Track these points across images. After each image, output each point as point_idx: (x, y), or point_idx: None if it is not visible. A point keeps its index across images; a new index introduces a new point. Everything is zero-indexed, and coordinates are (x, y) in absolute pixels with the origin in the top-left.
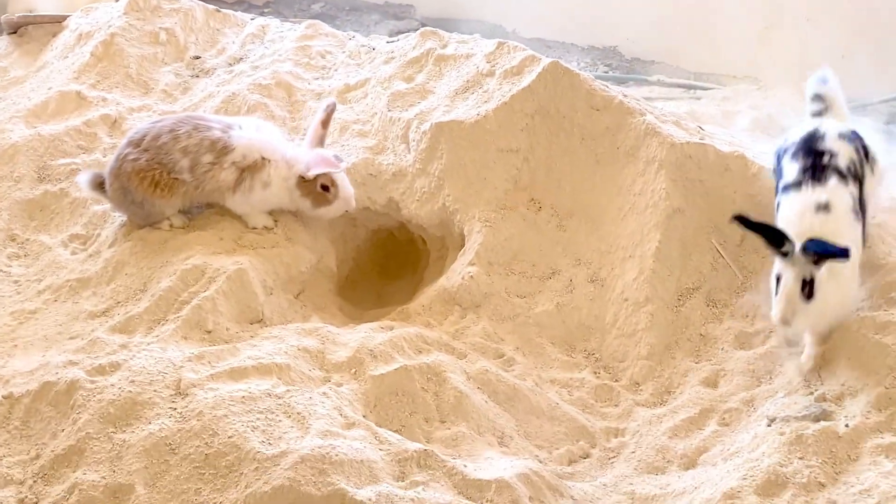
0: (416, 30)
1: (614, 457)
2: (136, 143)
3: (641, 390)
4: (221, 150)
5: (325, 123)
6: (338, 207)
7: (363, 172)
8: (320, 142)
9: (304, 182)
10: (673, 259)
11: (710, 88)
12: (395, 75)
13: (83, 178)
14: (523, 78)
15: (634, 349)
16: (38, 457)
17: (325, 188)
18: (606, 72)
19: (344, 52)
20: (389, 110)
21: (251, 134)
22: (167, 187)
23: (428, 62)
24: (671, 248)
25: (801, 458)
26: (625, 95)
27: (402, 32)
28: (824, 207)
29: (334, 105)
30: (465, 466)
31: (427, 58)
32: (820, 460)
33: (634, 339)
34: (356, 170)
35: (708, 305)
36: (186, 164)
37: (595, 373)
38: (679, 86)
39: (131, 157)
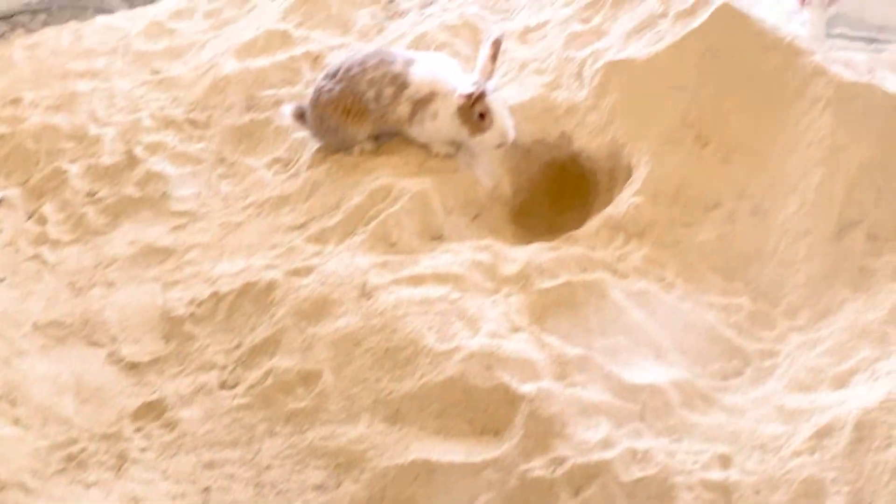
0: None
1: (767, 376)
2: (331, 76)
3: (798, 316)
4: (400, 84)
5: (494, 58)
6: (492, 136)
7: (538, 107)
8: (489, 75)
9: (462, 110)
10: (835, 194)
11: (893, 42)
12: (572, 17)
13: (286, 109)
14: (695, 19)
15: (792, 278)
16: (239, 346)
17: (481, 116)
18: None
19: None
20: (565, 50)
21: (427, 69)
22: (358, 115)
23: (605, 5)
24: (834, 184)
25: None
26: (795, 36)
27: None
28: None
29: (501, 38)
30: (622, 372)
31: (604, 1)
32: None
33: (793, 269)
34: (532, 104)
35: (868, 240)
36: (372, 95)
37: (753, 299)
38: (862, 38)
39: (327, 88)
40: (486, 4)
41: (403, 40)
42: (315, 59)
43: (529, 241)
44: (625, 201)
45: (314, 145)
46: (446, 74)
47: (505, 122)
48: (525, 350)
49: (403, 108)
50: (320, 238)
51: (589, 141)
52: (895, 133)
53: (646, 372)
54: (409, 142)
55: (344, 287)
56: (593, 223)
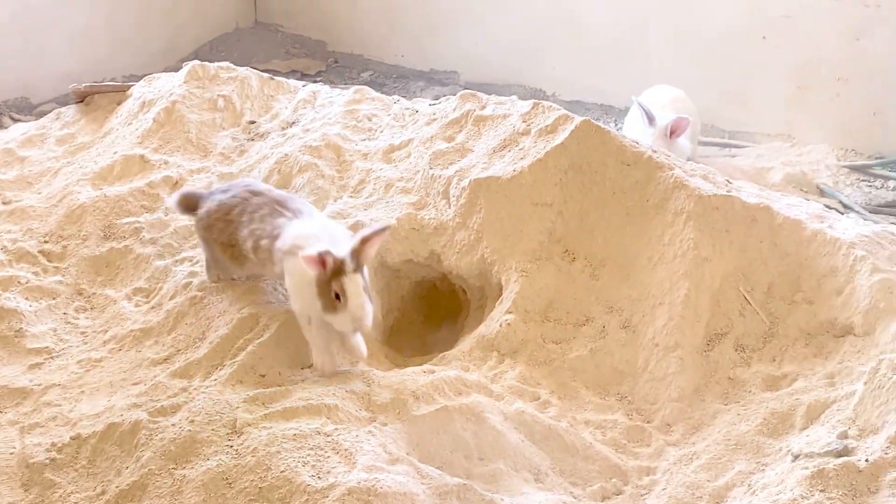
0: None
1: (646, 493)
2: (223, 208)
3: (672, 431)
4: (275, 237)
5: (366, 240)
6: (343, 320)
7: (406, 227)
8: (359, 258)
9: (319, 282)
10: (701, 306)
11: (744, 147)
12: (436, 135)
13: (174, 197)
14: (557, 136)
15: (665, 392)
16: (103, 493)
17: (336, 296)
18: None
19: (389, 114)
20: (431, 168)
21: (304, 226)
22: (236, 258)
23: (467, 123)
24: (699, 296)
25: (822, 491)
26: (654, 151)
27: None
28: None
29: (388, 229)
30: (503, 500)
31: (466, 118)
32: (840, 493)
33: (665, 383)
34: (400, 224)
35: (736, 350)
36: (250, 246)
37: (627, 415)
38: (715, 144)
39: (215, 214)
40: (348, 124)
41: (266, 163)
42: (175, 185)
43: (402, 363)
44: (496, 320)
45: (178, 273)
46: (321, 237)
47: (360, 308)
48: (404, 483)
49: (277, 266)
50: (186, 372)
51: (458, 260)
52: (755, 243)
53: (527, 498)
54: None
55: (213, 425)
56: (466, 343)
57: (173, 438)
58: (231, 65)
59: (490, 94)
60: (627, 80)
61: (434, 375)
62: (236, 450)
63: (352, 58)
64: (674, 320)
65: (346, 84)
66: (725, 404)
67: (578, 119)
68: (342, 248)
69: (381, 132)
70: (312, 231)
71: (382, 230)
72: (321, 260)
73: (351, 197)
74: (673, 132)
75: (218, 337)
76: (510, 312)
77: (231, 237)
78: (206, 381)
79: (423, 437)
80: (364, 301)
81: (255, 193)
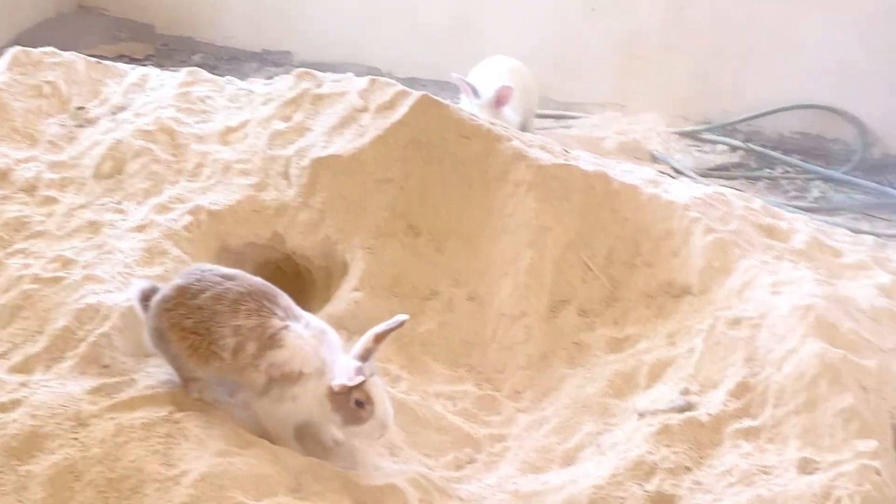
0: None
1: (498, 460)
2: (191, 293)
3: (522, 398)
4: (269, 344)
5: (380, 338)
6: (371, 428)
7: (247, 209)
8: (367, 355)
9: (334, 395)
10: (545, 274)
11: (578, 117)
12: (273, 115)
13: (137, 286)
14: (396, 111)
15: (513, 360)
16: None
17: (359, 404)
18: None
19: (223, 96)
20: (270, 149)
21: (306, 338)
22: (205, 358)
23: (304, 101)
24: (543, 264)
25: (667, 446)
26: (492, 123)
27: None
28: None
29: (403, 323)
30: (358, 475)
31: (303, 97)
32: (685, 447)
33: (513, 351)
34: (240, 206)
35: (580, 315)
36: (231, 345)
37: (477, 385)
38: (549, 116)
39: (177, 306)
40: (181, 107)
41: (97, 149)
42: (2, 175)
43: None
44: (343, 298)
45: (10, 265)
46: (326, 348)
47: (388, 414)
48: (258, 465)
49: (260, 377)
50: (25, 367)
51: (302, 240)
52: (595, 210)
53: (382, 472)
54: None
55: (56, 418)
56: None
57: (15, 434)
58: (56, 50)
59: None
60: (462, 55)
61: None
62: (82, 442)
63: (181, 40)
64: (519, 290)
65: (176, 67)
66: (572, 368)
67: (417, 94)
68: (339, 352)
69: (217, 114)
70: (317, 345)
71: (397, 325)
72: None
73: (188, 181)
74: (499, 102)
75: (57, 329)
76: (357, 290)
77: (198, 325)
78: (47, 375)
79: None
80: (388, 400)
81: (228, 278)
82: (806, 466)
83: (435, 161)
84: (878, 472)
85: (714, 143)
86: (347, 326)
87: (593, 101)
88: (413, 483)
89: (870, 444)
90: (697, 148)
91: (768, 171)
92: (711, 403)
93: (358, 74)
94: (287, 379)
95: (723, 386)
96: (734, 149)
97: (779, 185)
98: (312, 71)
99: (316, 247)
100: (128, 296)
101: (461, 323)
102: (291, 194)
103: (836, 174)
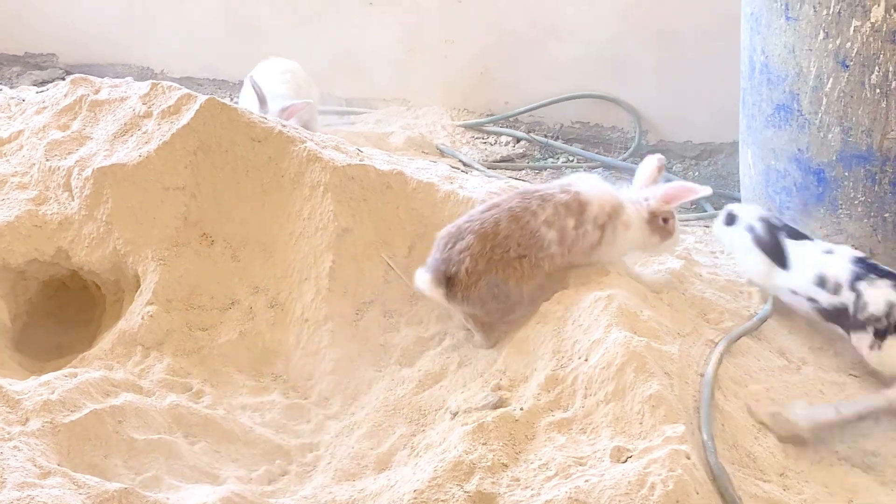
0: (62, 79)
1: (311, 470)
2: (491, 235)
3: (330, 404)
4: (579, 209)
5: (662, 166)
6: (674, 241)
7: (28, 224)
8: (652, 182)
9: (653, 218)
10: (347, 276)
11: (362, 113)
12: (49, 124)
13: (423, 275)
14: (182, 116)
15: (319, 366)
16: None
17: (665, 220)
18: None
19: None
20: (48, 160)
21: (592, 186)
22: (531, 267)
23: (82, 109)
24: (344, 267)
25: (483, 444)
26: (283, 125)
27: (48, 82)
28: None
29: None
30: (168, 499)
31: (80, 104)
32: (501, 444)
33: (318, 357)
34: (20, 222)
35: (385, 316)
36: (554, 237)
37: (284, 393)
38: (333, 112)
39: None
40: None
41: None
42: None
43: (39, 369)
44: (137, 313)
45: None
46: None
47: (678, 225)
48: (60, 496)
49: (593, 234)
50: None
51: (89, 254)
52: (393, 209)
53: (193, 494)
54: None
55: None
56: (106, 340)
57: None
58: None
59: (93, 76)
60: (239, 54)
61: (77, 379)
62: None
63: None
64: (321, 293)
65: None
66: (379, 370)
67: (203, 98)
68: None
69: None
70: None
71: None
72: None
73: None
74: (289, 118)
75: None
76: (151, 303)
77: (519, 249)
78: None
79: (73, 445)
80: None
81: (483, 210)
82: (619, 455)
83: (226, 166)
84: (687, 456)
85: (498, 134)
86: (144, 342)
87: (376, 95)
88: (225, 501)
89: (678, 429)
90: (482, 140)
91: (552, 160)
92: (523, 398)
93: (131, 75)
94: (613, 216)
95: (533, 379)
96: (518, 140)
97: (563, 173)
98: (89, 76)
99: (104, 261)
100: (420, 284)
101: (263, 331)
102: (74, 207)
103: (617, 161)
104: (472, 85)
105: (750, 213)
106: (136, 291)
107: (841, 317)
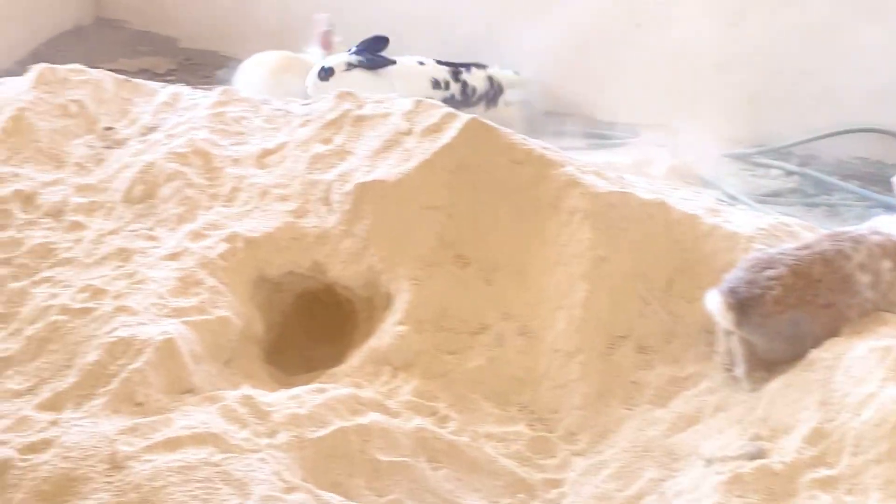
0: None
1: None
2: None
3: (577, 440)
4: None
5: None
6: None
7: (286, 236)
8: None
9: None
10: (601, 307)
11: (624, 138)
12: (312, 138)
13: (715, 296)
14: (443, 135)
15: (568, 399)
16: None
17: None
18: None
19: (259, 116)
20: (309, 173)
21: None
22: (840, 309)
23: (345, 123)
24: (599, 297)
25: (739, 497)
26: (545, 148)
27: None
28: None
29: None
30: None
31: (344, 119)
32: (759, 497)
33: (567, 390)
34: (279, 234)
35: (638, 352)
36: (867, 281)
37: (530, 425)
38: (595, 136)
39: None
40: (216, 128)
41: (127, 172)
42: (27, 199)
43: (288, 382)
44: (388, 332)
45: (37, 295)
46: None
47: None
48: None
49: None
50: (55, 404)
51: (344, 269)
52: (653, 241)
53: None
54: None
55: (90, 460)
56: (356, 357)
57: (46, 477)
58: (83, 67)
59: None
60: None
61: (326, 394)
62: (117, 486)
63: (205, 54)
64: (574, 324)
65: (203, 84)
66: (630, 409)
67: (466, 117)
68: None
69: (253, 135)
70: None
71: None
72: None
73: (224, 206)
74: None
75: (87, 364)
76: (402, 323)
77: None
78: (78, 413)
79: (318, 462)
80: None
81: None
82: None
83: (484, 187)
84: None
85: (768, 167)
86: (392, 361)
87: (639, 121)
88: None
89: None
90: (750, 172)
91: (825, 197)
92: (785, 450)
93: None
94: None
95: (796, 431)
96: (789, 173)
97: (837, 212)
98: (354, 91)
99: (359, 277)
100: (711, 305)
101: (512, 359)
102: (333, 221)
103: None
104: (741, 113)
105: None
106: (388, 309)
107: None
